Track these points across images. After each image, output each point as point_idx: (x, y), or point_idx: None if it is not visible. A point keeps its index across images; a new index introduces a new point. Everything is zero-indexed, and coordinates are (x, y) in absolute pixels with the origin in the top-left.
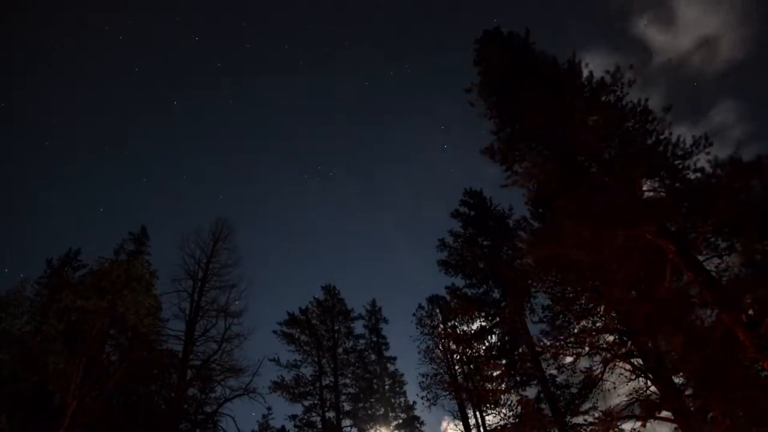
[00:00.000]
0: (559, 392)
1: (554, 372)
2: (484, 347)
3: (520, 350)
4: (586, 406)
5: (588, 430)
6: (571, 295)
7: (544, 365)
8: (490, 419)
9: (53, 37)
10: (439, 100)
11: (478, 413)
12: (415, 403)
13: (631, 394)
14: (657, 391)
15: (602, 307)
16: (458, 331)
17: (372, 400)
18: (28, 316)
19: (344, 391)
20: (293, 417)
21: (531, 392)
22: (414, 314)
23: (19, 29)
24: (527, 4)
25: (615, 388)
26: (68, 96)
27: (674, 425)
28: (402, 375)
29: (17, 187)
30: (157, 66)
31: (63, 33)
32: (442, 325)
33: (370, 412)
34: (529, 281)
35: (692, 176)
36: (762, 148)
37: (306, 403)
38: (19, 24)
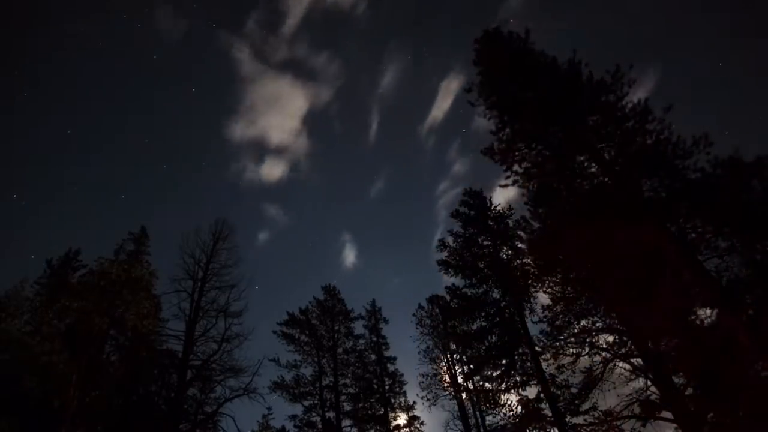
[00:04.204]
0: (559, 392)
1: (554, 372)
2: (484, 347)
3: (520, 350)
4: (586, 406)
5: (588, 430)
6: (571, 295)
7: (544, 365)
8: (490, 419)
9: (48, 35)
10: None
11: (478, 413)
12: (415, 403)
13: (631, 394)
14: (657, 391)
15: (602, 307)
16: (458, 331)
17: (372, 400)
18: (29, 316)
19: (344, 391)
20: (293, 417)
21: (531, 392)
22: (414, 314)
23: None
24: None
25: (615, 388)
26: (69, 95)
27: (674, 425)
28: (402, 375)
29: (17, 186)
30: (161, 65)
31: (58, 28)
32: (442, 325)
33: (370, 412)
34: (529, 281)
35: (692, 176)
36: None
37: (306, 403)
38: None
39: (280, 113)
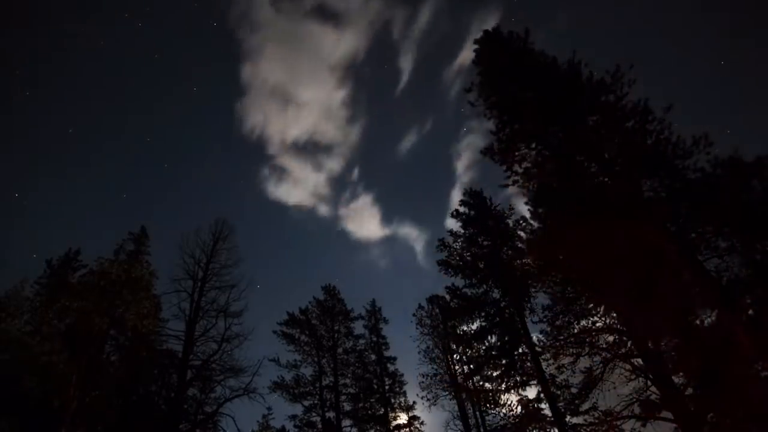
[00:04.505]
0: (559, 392)
1: (554, 372)
2: (484, 347)
3: (520, 350)
4: (586, 406)
5: (588, 430)
6: (571, 295)
7: (544, 365)
8: (490, 419)
9: (48, 35)
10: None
11: (478, 413)
12: (415, 403)
13: (631, 394)
14: (657, 391)
15: (602, 307)
16: (458, 331)
17: (372, 400)
18: (29, 316)
19: (344, 391)
20: (293, 417)
21: (531, 392)
22: (414, 314)
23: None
24: None
25: (615, 388)
26: (69, 95)
27: (674, 425)
28: (402, 375)
29: (18, 186)
30: (160, 66)
31: (58, 28)
32: (442, 325)
33: (370, 412)
34: (529, 281)
35: (692, 176)
36: None
37: (306, 403)
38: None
39: (300, 65)
